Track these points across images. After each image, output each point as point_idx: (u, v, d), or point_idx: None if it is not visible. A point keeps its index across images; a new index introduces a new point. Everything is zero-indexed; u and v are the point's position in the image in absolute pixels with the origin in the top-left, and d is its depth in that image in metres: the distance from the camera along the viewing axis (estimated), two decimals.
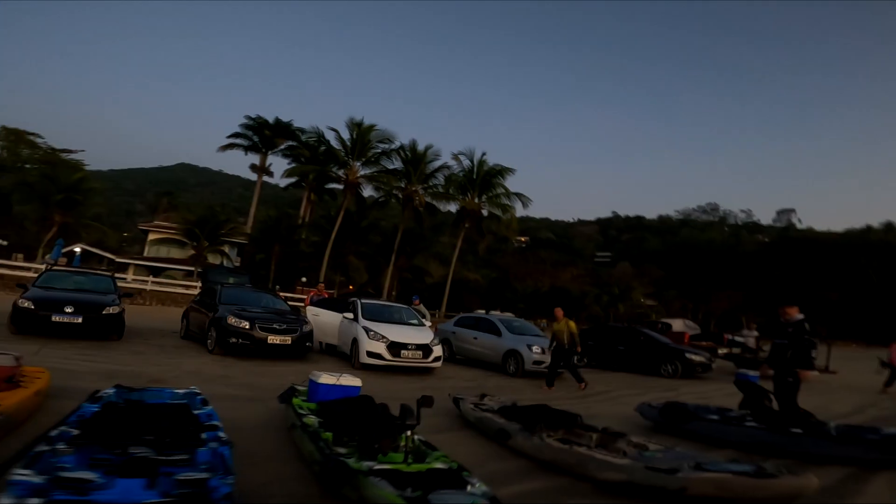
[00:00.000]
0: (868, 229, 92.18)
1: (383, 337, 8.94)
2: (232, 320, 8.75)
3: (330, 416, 3.79)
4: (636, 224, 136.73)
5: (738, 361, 14.61)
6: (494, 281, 57.42)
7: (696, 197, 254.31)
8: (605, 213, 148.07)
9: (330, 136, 31.61)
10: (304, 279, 29.31)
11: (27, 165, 38.05)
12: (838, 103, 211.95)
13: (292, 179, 37.95)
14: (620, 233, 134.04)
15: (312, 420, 3.80)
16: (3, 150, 39.72)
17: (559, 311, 9.51)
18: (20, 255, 28.97)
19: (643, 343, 13.37)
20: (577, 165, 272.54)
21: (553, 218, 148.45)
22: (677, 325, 18.91)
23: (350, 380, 4.64)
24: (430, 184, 33.04)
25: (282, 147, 41.61)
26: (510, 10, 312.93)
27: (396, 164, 32.40)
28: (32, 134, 40.57)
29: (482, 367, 11.31)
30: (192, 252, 29.99)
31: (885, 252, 75.72)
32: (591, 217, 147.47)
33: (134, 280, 26.71)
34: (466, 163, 33.48)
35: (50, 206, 26.55)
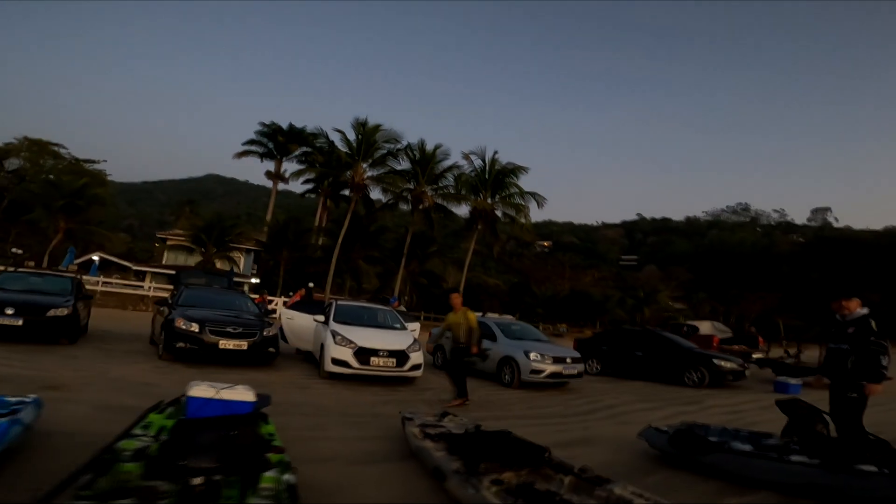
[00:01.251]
0: None
1: (350, 342, 7.76)
2: (180, 323, 7.77)
3: (180, 439, 2.63)
4: (662, 226, 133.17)
5: (777, 368, 12.84)
6: (515, 286, 55.88)
7: (725, 198, 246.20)
8: (630, 216, 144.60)
9: (336, 137, 30.87)
10: (311, 284, 28.40)
11: (51, 176, 38.67)
12: (872, 99, 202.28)
13: (309, 186, 37.59)
14: (646, 235, 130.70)
15: (132, 444, 2.68)
16: (26, 160, 40.42)
17: (456, 298, 7.30)
18: (31, 263, 29.10)
19: (663, 348, 11.81)
20: (601, 168, 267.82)
21: (577, 222, 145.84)
22: (705, 327, 17.22)
23: (238, 393, 3.45)
24: (440, 185, 31.88)
25: (296, 153, 41.44)
26: (535, 10, 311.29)
27: (404, 164, 31.38)
28: (56, 144, 41.24)
29: (477, 376, 10.01)
30: (201, 258, 29.63)
31: None
32: (615, 220, 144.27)
33: (152, 287, 26.50)
34: (478, 162, 32.25)
35: (53, 212, 26.51)
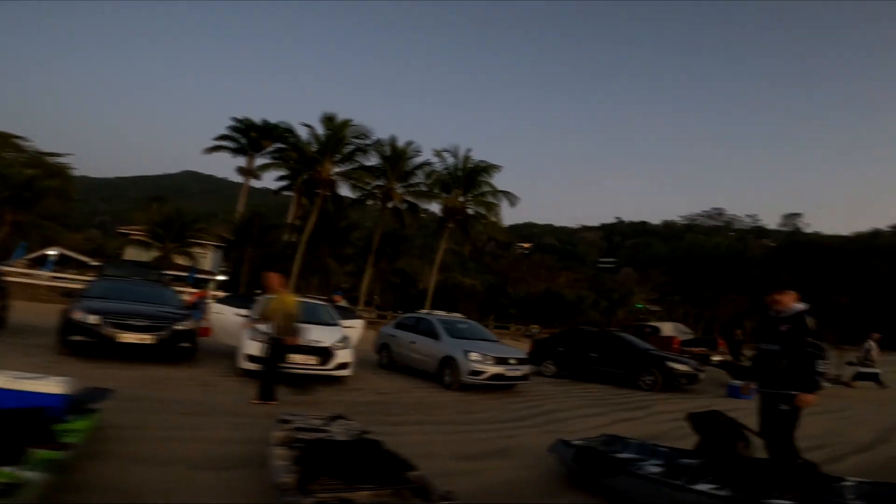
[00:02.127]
0: (876, 233, 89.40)
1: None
2: (77, 314, 7.07)
3: None
4: (640, 229, 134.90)
5: (733, 370, 12.52)
6: (491, 287, 55.58)
7: (702, 202, 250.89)
8: (610, 219, 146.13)
9: (304, 132, 29.95)
10: None
11: (11, 168, 36.91)
12: (844, 107, 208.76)
13: (284, 183, 36.55)
14: (624, 238, 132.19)
15: None
16: None
17: (273, 279, 6.15)
18: None
19: (618, 350, 11.40)
20: (583, 172, 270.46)
21: (557, 224, 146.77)
22: (667, 329, 16.96)
23: (42, 385, 2.96)
24: (411, 182, 31.24)
25: (269, 149, 40.31)
26: (514, 12, 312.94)
27: (375, 161, 30.63)
28: (17, 137, 39.36)
29: (420, 376, 9.50)
30: (159, 254, 28.45)
31: (894, 255, 72.95)
32: (595, 223, 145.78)
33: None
34: (451, 160, 31.74)
35: None
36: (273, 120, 39.57)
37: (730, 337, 17.45)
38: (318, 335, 7.60)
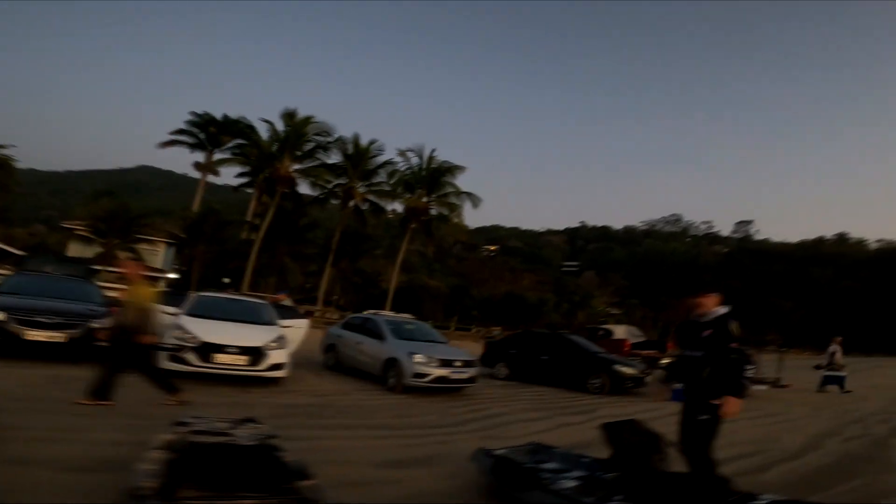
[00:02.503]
0: (821, 240, 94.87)
1: (192, 336, 6.71)
2: None
3: None
4: (602, 234, 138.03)
5: (676, 374, 12.80)
6: (455, 288, 55.64)
7: (661, 208, 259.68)
8: (574, 223, 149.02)
9: (264, 128, 29.04)
10: (225, 280, 26.52)
11: None
12: (797, 119, 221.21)
13: (244, 180, 35.29)
14: (588, 242, 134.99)
15: None
16: None
17: (128, 266, 5.69)
18: None
19: (568, 352, 11.45)
20: (548, 177, 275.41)
21: (523, 227, 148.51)
22: (619, 331, 17.26)
23: None
24: (374, 181, 30.82)
25: (229, 145, 38.86)
26: (480, 19, 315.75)
27: (337, 159, 30.05)
28: None
29: (366, 378, 9.27)
30: (102, 250, 26.91)
31: (837, 262, 77.76)
32: (560, 227, 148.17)
33: None
34: (415, 160, 31.53)
35: None
36: (237, 115, 38.50)
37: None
38: (252, 335, 7.24)
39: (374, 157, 30.27)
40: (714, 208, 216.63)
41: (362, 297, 43.07)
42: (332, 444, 4.79)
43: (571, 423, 7.18)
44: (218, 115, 38.82)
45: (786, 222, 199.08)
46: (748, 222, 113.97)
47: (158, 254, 37.48)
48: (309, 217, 32.36)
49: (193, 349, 6.64)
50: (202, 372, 6.71)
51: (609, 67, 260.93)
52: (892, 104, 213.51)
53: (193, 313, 7.51)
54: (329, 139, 28.06)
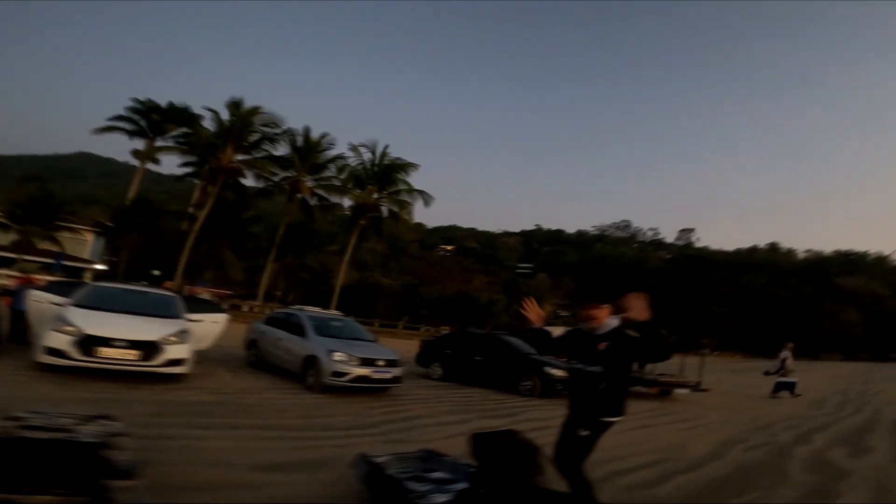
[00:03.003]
0: (754, 249, 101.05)
1: (73, 327, 6.13)
2: None
3: None
4: (556, 237, 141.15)
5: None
6: (407, 287, 55.21)
7: (612, 214, 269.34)
8: (529, 226, 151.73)
9: (211, 120, 27.53)
10: (156, 272, 25.00)
11: None
12: (737, 130, 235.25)
13: (188, 170, 33.35)
14: (542, 245, 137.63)
15: None
16: None
17: None
18: None
19: (501, 353, 11.40)
20: (505, 179, 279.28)
21: (480, 228, 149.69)
22: (558, 332, 17.37)
23: None
24: (323, 175, 29.97)
25: (174, 133, 36.70)
26: (433, 24, 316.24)
27: (287, 151, 28.98)
28: None
29: (288, 376, 8.89)
30: (19, 238, 24.73)
31: (769, 270, 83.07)
32: (515, 229, 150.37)
33: None
34: (367, 155, 30.90)
35: None
36: (187, 105, 36.47)
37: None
38: (148, 329, 6.70)
39: (325, 150, 29.46)
40: (660, 216, 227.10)
41: (313, 294, 41.91)
42: (212, 444, 4.46)
43: (493, 427, 7.05)
44: (163, 102, 36.80)
45: (724, 231, 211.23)
46: (690, 230, 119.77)
47: (86, 243, 35.01)
48: (254, 210, 31.08)
49: (76, 342, 6.04)
50: (84, 367, 6.13)
51: (565, 77, 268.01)
52: (822, 120, 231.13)
53: (83, 304, 6.92)
54: (276, 130, 27.01)
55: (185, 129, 33.39)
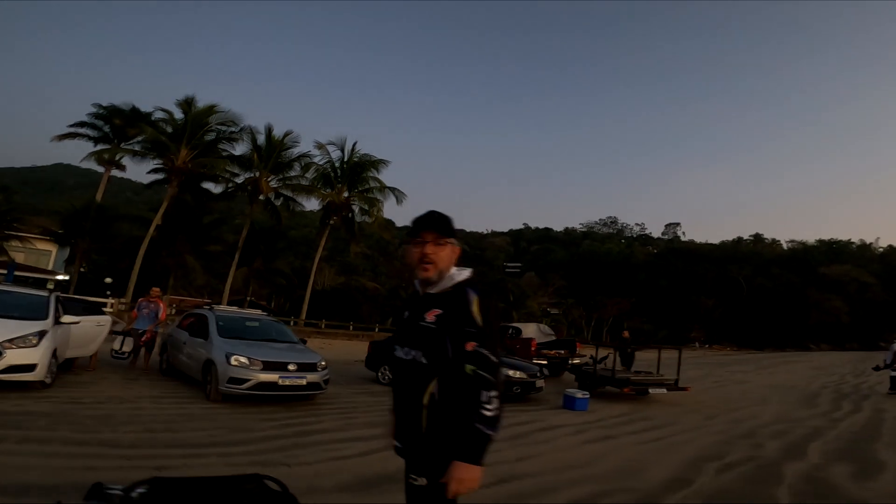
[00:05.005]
0: (739, 241, 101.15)
1: None
2: None
3: None
4: (544, 236, 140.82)
5: (579, 375, 11.90)
6: (393, 290, 54.10)
7: (599, 211, 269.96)
8: (517, 225, 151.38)
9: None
10: (108, 280, 23.52)
11: None
12: (721, 123, 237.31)
13: (158, 176, 31.88)
14: (530, 244, 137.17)
15: None
16: None
17: None
18: None
19: None
20: (493, 179, 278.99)
21: (468, 229, 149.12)
22: (529, 330, 16.33)
23: None
24: (288, 175, 28.63)
25: (139, 139, 35.27)
26: (425, 21, 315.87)
27: (247, 150, 27.59)
28: None
29: (193, 384, 7.74)
30: None
31: (754, 261, 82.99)
32: (503, 228, 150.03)
33: None
34: (336, 153, 29.64)
35: None
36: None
37: (619, 340, 16.91)
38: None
39: (289, 149, 28.10)
40: (646, 211, 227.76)
41: (290, 299, 40.38)
42: None
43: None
44: (130, 107, 35.27)
45: (709, 224, 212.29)
46: (676, 224, 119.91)
47: (52, 254, 33.33)
48: (218, 212, 29.66)
49: None
50: None
51: (546, 74, 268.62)
52: (806, 113, 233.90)
53: None
54: (233, 129, 25.64)
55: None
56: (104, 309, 14.31)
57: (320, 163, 29.51)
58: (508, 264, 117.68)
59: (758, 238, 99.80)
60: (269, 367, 6.84)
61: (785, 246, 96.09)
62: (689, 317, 70.90)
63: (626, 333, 20.10)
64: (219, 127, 25.64)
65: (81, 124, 35.50)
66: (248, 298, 31.93)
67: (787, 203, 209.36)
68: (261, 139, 27.56)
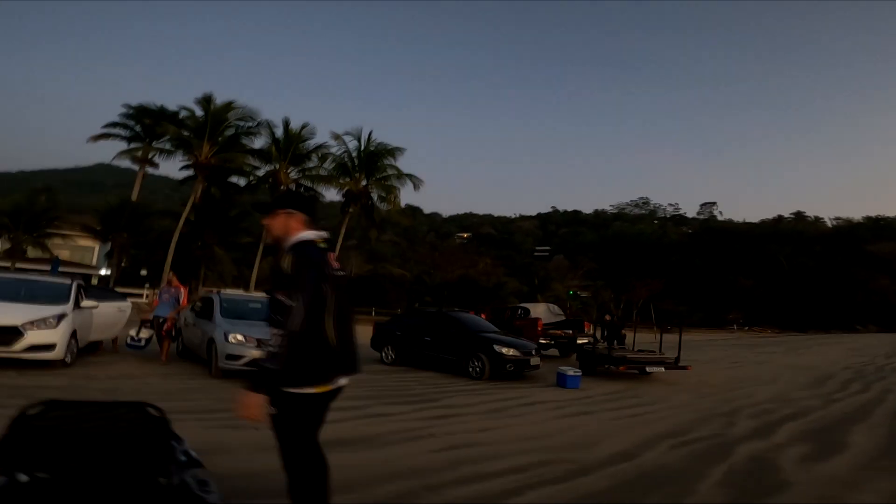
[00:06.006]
0: (779, 219, 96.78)
1: None
2: None
3: None
4: (573, 218, 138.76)
5: (580, 354, 11.98)
6: (417, 276, 54.95)
7: (630, 192, 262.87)
8: (546, 209, 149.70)
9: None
10: (143, 272, 24.99)
11: None
12: (758, 103, 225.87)
13: (189, 173, 33.46)
14: (559, 227, 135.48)
15: None
16: None
17: None
18: None
19: (451, 332, 10.54)
20: (521, 163, 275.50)
21: (496, 214, 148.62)
22: (539, 310, 16.44)
23: None
24: (308, 166, 29.44)
25: (168, 136, 36.88)
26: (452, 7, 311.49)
27: (265, 144, 28.53)
28: None
29: (202, 363, 8.44)
30: (8, 245, 25.03)
31: (795, 240, 79.40)
32: (532, 212, 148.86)
33: None
34: (353, 143, 30.22)
35: None
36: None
37: (602, 321, 17.02)
38: (4, 314, 6.52)
39: (306, 140, 28.85)
40: (681, 190, 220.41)
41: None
42: None
43: (386, 415, 6.11)
44: (159, 106, 36.86)
45: (748, 203, 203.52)
46: (712, 203, 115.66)
47: (95, 250, 35.51)
48: (243, 205, 30.85)
49: None
50: None
51: (576, 55, 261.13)
52: (848, 86, 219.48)
53: None
54: (251, 123, 26.55)
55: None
56: (136, 299, 15.34)
57: (337, 153, 30.17)
58: (538, 248, 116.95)
59: (799, 216, 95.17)
60: (262, 344, 7.34)
61: (829, 224, 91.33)
62: (726, 298, 68.62)
63: (608, 317, 19.91)
64: (238, 122, 26.54)
65: (114, 125, 37.38)
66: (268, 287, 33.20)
67: (832, 179, 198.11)
68: (279, 132, 28.41)
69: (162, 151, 27.40)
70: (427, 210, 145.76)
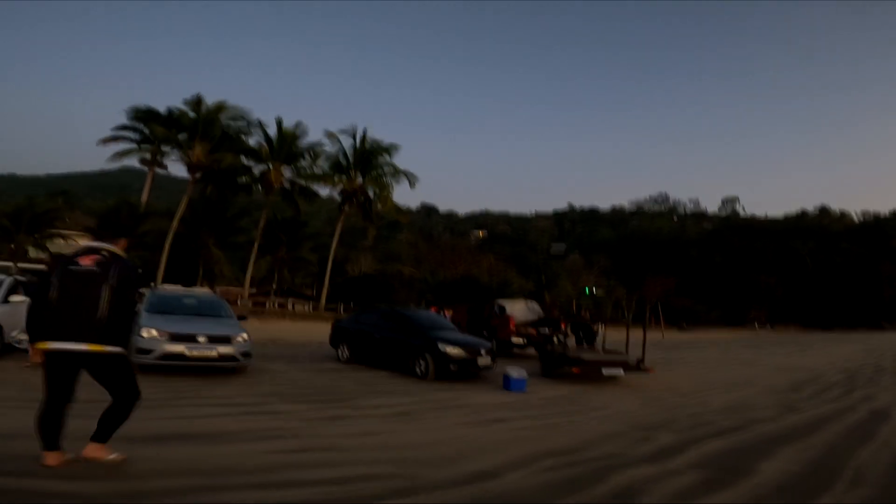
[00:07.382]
0: (803, 214, 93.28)
1: None
2: None
3: None
4: (590, 216, 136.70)
5: (541, 354, 11.52)
6: (430, 274, 54.97)
7: (648, 188, 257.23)
8: (562, 206, 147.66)
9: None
10: (139, 271, 25.30)
11: None
12: (778, 96, 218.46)
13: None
14: (575, 225, 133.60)
15: None
16: None
17: None
18: None
19: (400, 330, 10.22)
20: (537, 160, 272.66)
21: (512, 212, 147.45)
22: (516, 307, 15.95)
23: None
24: (301, 164, 29.51)
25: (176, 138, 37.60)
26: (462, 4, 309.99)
27: (258, 144, 28.69)
28: None
29: None
30: (10, 246, 25.75)
31: (819, 235, 76.33)
32: (548, 210, 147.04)
33: None
34: (348, 141, 30.19)
35: None
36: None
37: (572, 318, 16.54)
38: None
39: (299, 139, 28.90)
40: (701, 186, 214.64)
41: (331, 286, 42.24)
42: None
43: (273, 413, 5.79)
44: (165, 108, 37.58)
45: (770, 198, 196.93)
46: (734, 199, 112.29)
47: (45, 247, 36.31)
48: (240, 205, 31.16)
49: None
50: None
51: (590, 49, 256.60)
52: (875, 77, 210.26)
53: None
54: (241, 123, 26.72)
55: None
56: None
57: (332, 151, 30.16)
58: (553, 245, 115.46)
59: (824, 211, 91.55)
60: (176, 338, 7.16)
61: (855, 218, 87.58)
62: (747, 296, 66.26)
63: (585, 313, 19.46)
64: (229, 122, 26.72)
65: (124, 127, 38.27)
66: (273, 286, 33.44)
67: (858, 172, 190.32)
68: (272, 131, 28.53)
69: (163, 153, 27.76)
70: (443, 209, 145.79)
